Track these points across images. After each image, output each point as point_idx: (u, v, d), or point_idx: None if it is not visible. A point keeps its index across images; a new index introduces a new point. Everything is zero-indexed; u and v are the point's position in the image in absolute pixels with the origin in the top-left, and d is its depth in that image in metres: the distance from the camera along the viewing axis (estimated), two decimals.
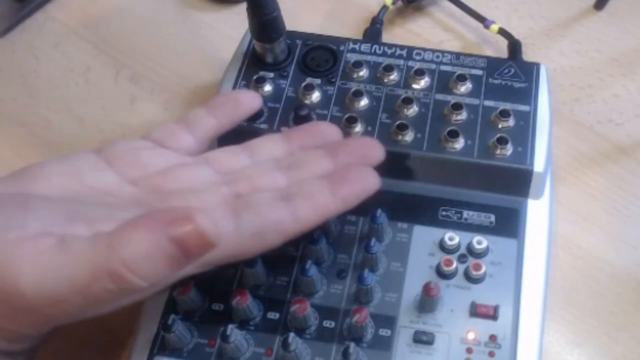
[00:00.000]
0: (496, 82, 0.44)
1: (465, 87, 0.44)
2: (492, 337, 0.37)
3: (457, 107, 0.43)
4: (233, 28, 0.53)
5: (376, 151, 0.39)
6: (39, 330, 0.32)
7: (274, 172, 0.38)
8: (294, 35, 0.47)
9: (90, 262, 0.29)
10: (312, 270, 0.38)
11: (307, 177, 0.37)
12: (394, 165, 0.42)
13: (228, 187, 0.37)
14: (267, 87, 0.45)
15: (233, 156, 0.39)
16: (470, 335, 0.37)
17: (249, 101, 0.42)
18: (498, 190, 0.42)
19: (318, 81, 0.45)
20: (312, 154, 0.39)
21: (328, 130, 0.41)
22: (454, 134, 0.42)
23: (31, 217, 0.31)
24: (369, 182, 0.36)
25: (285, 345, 0.35)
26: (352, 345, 0.36)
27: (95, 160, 0.36)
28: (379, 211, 0.40)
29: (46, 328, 0.33)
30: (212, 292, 0.39)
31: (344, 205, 0.36)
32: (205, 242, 0.29)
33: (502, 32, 0.51)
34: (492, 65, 0.45)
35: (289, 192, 0.36)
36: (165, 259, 0.29)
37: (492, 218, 0.41)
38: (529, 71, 0.45)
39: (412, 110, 0.43)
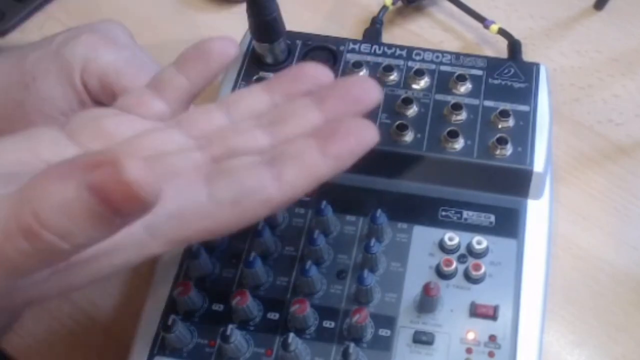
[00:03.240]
0: (496, 82, 0.44)
1: (465, 87, 0.44)
2: (492, 337, 0.37)
3: (457, 107, 0.43)
4: (233, 28, 0.53)
5: (371, 92, 0.34)
6: None
7: (254, 131, 0.33)
8: (294, 35, 0.47)
9: (1, 216, 0.24)
10: (312, 271, 0.38)
11: (293, 133, 0.32)
12: (394, 165, 0.42)
13: (201, 152, 0.32)
14: None
15: (208, 116, 0.34)
16: (470, 336, 0.37)
17: (222, 49, 0.36)
18: (498, 191, 0.42)
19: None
20: (297, 104, 0.34)
21: (316, 73, 0.35)
22: (453, 134, 0.42)
23: None
24: (365, 135, 0.31)
25: (285, 345, 0.35)
26: (352, 345, 0.36)
27: (55, 134, 0.32)
28: (379, 211, 0.40)
29: None
30: (212, 292, 0.39)
31: (337, 165, 0.31)
32: (134, 195, 0.23)
33: (502, 32, 0.51)
34: (492, 65, 0.45)
35: (272, 153, 0.31)
36: (86, 214, 0.24)
37: (492, 218, 0.41)
38: (529, 71, 0.45)
39: (412, 110, 0.43)
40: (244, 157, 0.31)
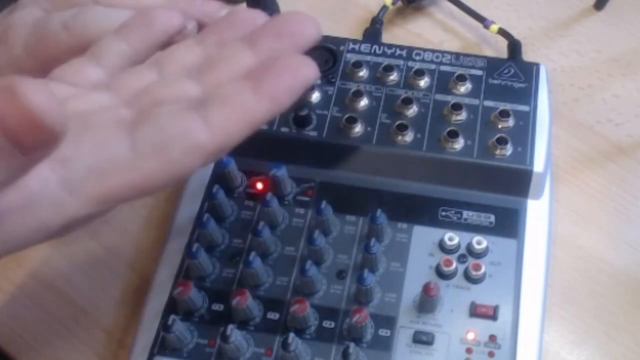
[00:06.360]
0: (496, 82, 0.44)
1: (465, 88, 0.44)
2: (492, 337, 0.37)
3: (456, 107, 0.43)
4: None
5: (308, 26, 0.31)
6: None
7: (183, 81, 0.31)
8: None
9: None
10: (312, 271, 0.38)
11: (224, 78, 0.30)
12: (394, 165, 0.42)
13: (128, 108, 0.30)
14: None
15: (138, 76, 0.32)
16: (470, 336, 0.37)
17: (165, 17, 0.34)
18: (498, 191, 0.42)
19: (318, 81, 0.45)
20: (228, 49, 0.32)
21: (250, 17, 0.33)
22: (453, 134, 0.42)
23: None
24: (302, 71, 0.29)
25: (285, 345, 0.35)
26: (352, 345, 0.36)
27: None
28: (379, 211, 0.40)
29: None
30: (212, 292, 0.39)
31: (272, 104, 0.28)
32: (36, 120, 0.22)
33: (502, 32, 0.51)
34: (492, 65, 0.45)
35: (201, 99, 0.29)
36: None
37: (492, 218, 0.41)
38: (529, 71, 0.45)
39: (412, 110, 0.43)
40: (169, 105, 0.29)
